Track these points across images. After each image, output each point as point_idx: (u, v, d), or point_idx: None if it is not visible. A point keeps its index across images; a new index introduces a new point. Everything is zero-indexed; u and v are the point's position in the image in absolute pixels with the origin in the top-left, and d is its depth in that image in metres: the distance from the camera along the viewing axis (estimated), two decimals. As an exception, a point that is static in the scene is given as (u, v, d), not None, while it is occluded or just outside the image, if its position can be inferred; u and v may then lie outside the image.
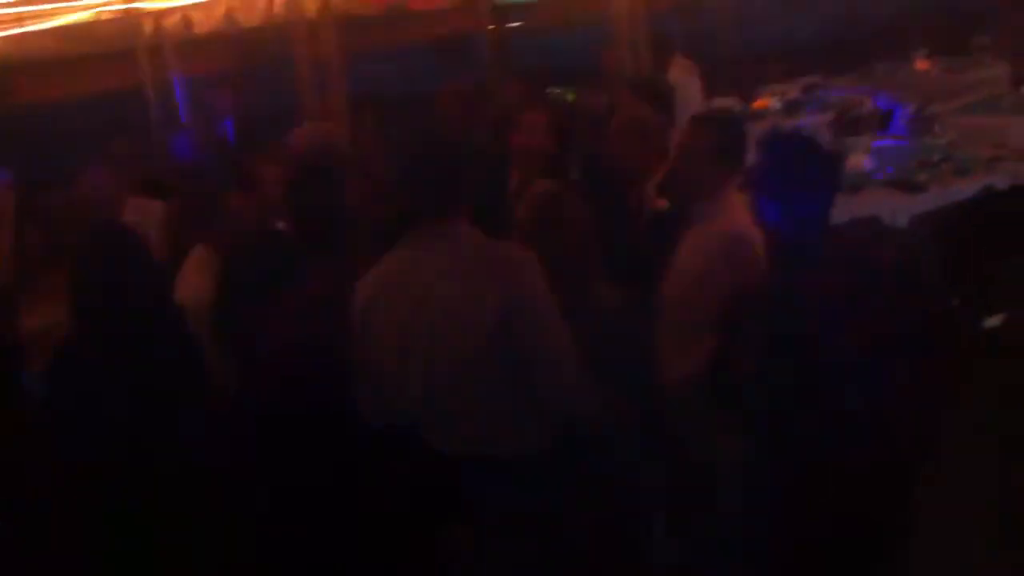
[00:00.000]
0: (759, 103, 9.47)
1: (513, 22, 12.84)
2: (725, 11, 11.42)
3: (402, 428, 3.38)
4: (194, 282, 4.21)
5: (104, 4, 8.05)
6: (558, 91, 11.15)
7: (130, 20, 8.39)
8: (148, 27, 8.58)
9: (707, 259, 3.75)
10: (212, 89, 8.08)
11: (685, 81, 9.14)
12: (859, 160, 6.75)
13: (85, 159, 6.08)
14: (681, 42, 9.93)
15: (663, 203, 4.68)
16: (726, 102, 8.96)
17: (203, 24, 8.29)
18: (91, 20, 8.11)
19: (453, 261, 3.27)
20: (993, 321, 4.84)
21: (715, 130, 4.02)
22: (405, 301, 3.30)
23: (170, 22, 8.42)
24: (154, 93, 8.83)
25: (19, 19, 8.11)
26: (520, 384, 3.22)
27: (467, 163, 3.39)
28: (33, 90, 9.62)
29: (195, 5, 8.06)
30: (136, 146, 6.84)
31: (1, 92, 9.06)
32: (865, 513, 3.24)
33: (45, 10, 8.02)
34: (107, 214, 5.16)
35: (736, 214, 3.78)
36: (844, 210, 6.20)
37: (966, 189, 6.20)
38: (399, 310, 3.31)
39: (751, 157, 3.70)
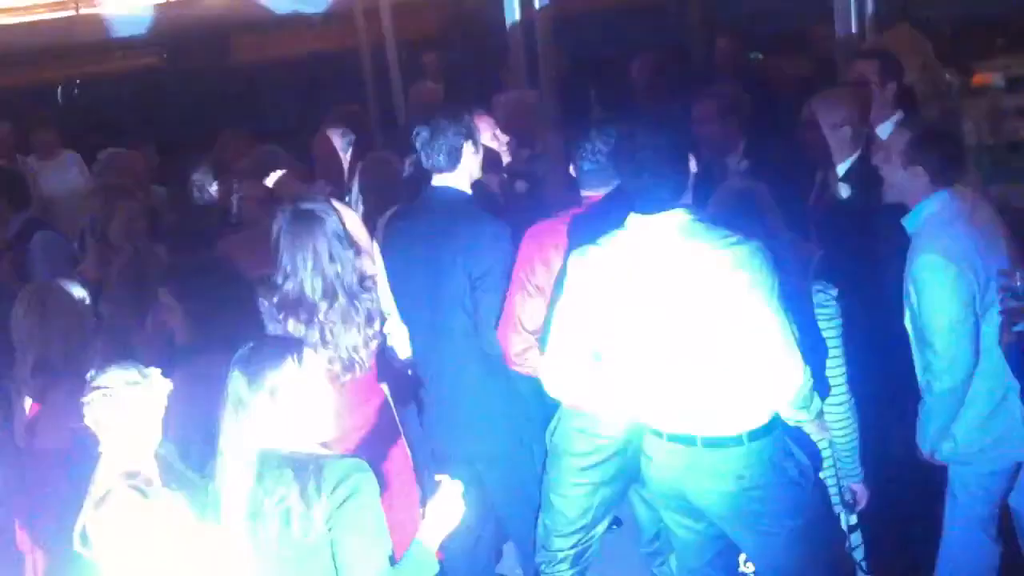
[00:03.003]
0: (979, 78, 8.99)
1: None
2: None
3: None
4: None
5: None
6: (754, 55, 10.89)
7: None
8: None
9: None
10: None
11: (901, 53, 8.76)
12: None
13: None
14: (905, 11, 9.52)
15: (844, 191, 4.57)
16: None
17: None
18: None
19: (681, 244, 3.28)
20: None
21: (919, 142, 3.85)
22: (629, 284, 3.34)
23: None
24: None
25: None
26: (744, 363, 3.28)
27: (691, 150, 3.39)
28: (252, 50, 9.92)
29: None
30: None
31: (222, 51, 9.37)
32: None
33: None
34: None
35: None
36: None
37: None
38: (619, 292, 3.35)
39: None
